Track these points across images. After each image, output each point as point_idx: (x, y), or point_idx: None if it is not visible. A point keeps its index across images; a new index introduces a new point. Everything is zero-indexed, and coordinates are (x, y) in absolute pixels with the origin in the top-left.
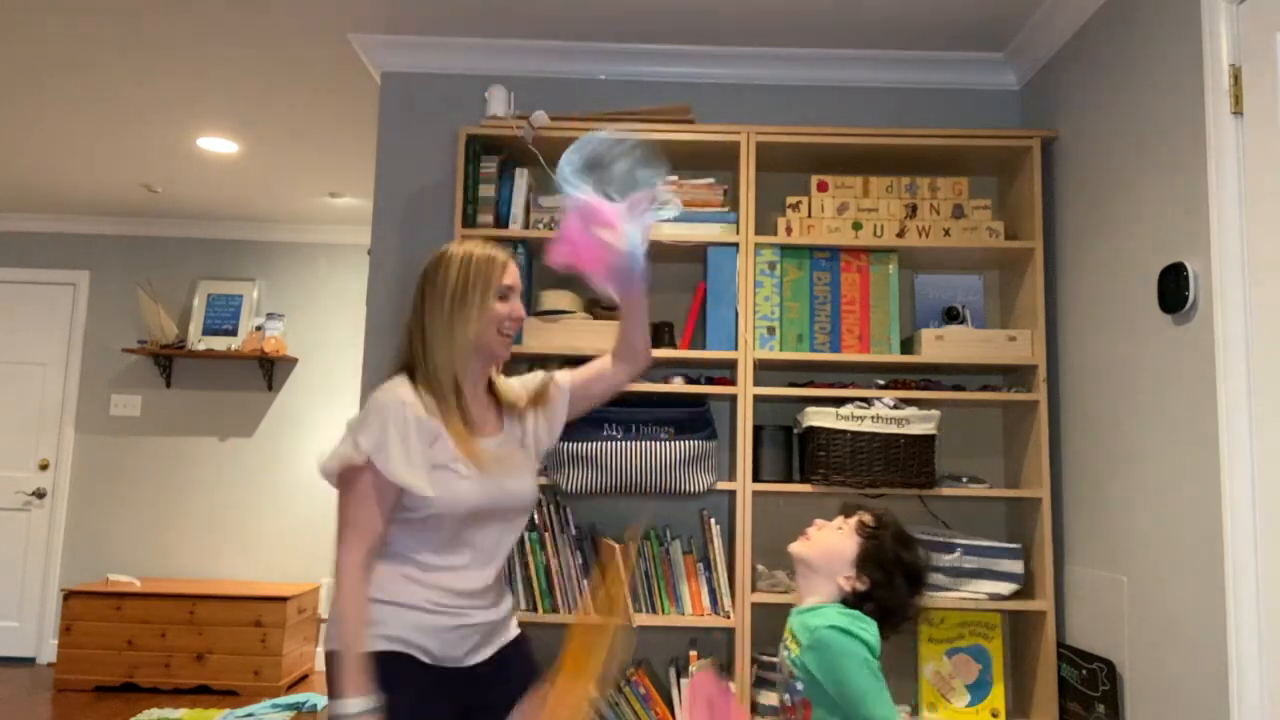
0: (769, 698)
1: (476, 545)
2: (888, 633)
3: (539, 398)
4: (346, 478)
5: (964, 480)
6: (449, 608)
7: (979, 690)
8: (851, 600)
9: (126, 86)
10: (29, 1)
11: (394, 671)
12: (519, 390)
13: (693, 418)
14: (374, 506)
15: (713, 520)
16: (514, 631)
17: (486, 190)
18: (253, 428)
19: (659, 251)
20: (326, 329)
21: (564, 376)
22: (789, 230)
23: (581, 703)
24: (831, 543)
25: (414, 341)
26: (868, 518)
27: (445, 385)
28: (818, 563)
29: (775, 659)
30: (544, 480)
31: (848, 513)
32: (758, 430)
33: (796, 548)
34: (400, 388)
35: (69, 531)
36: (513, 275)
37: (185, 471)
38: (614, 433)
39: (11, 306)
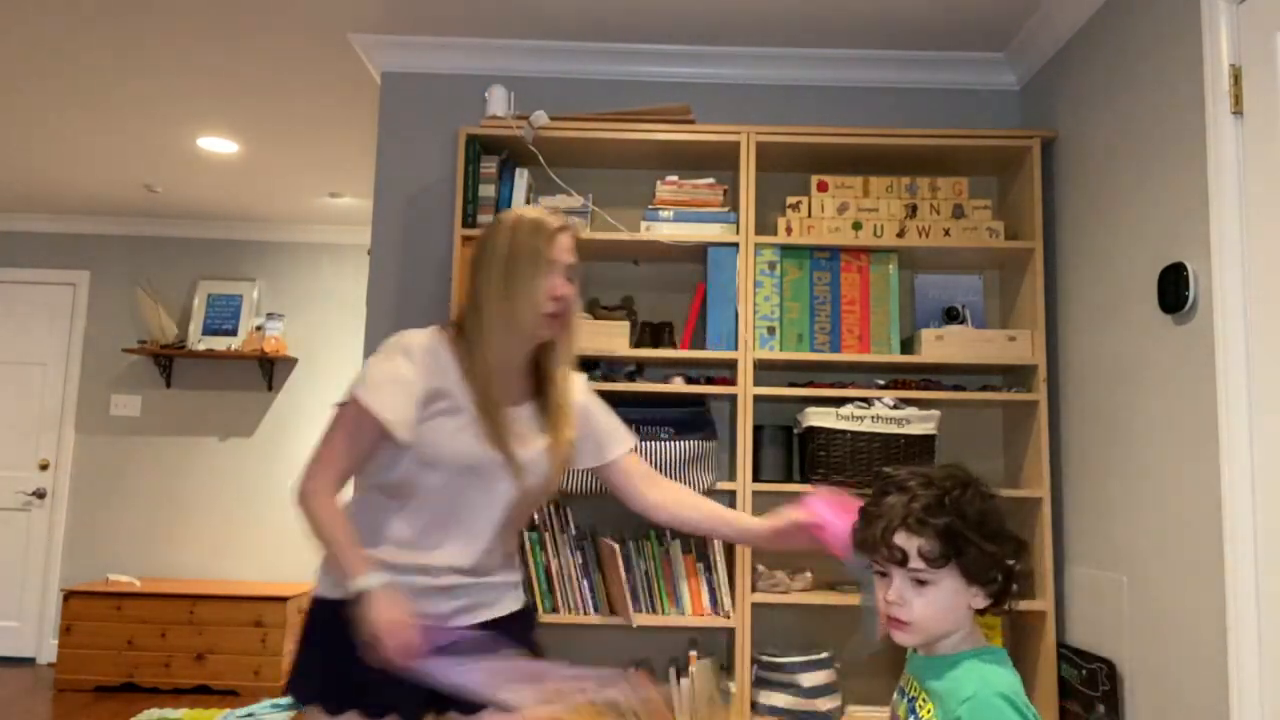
0: (769, 698)
1: (462, 519)
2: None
3: (583, 424)
4: (336, 413)
5: None
6: (422, 569)
7: None
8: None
9: (126, 87)
10: (29, 2)
11: (340, 615)
12: (576, 395)
13: (693, 418)
14: (348, 441)
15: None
16: (514, 604)
17: (486, 190)
18: (253, 428)
19: (659, 251)
20: (326, 329)
21: (625, 458)
22: (789, 230)
23: None
24: (932, 605)
25: (467, 311)
26: (928, 537)
27: (483, 357)
28: (937, 629)
29: (778, 659)
30: None
31: (886, 550)
32: (758, 430)
33: (905, 639)
34: (421, 335)
35: (69, 531)
36: (561, 248)
37: (185, 471)
38: None
39: (11, 306)
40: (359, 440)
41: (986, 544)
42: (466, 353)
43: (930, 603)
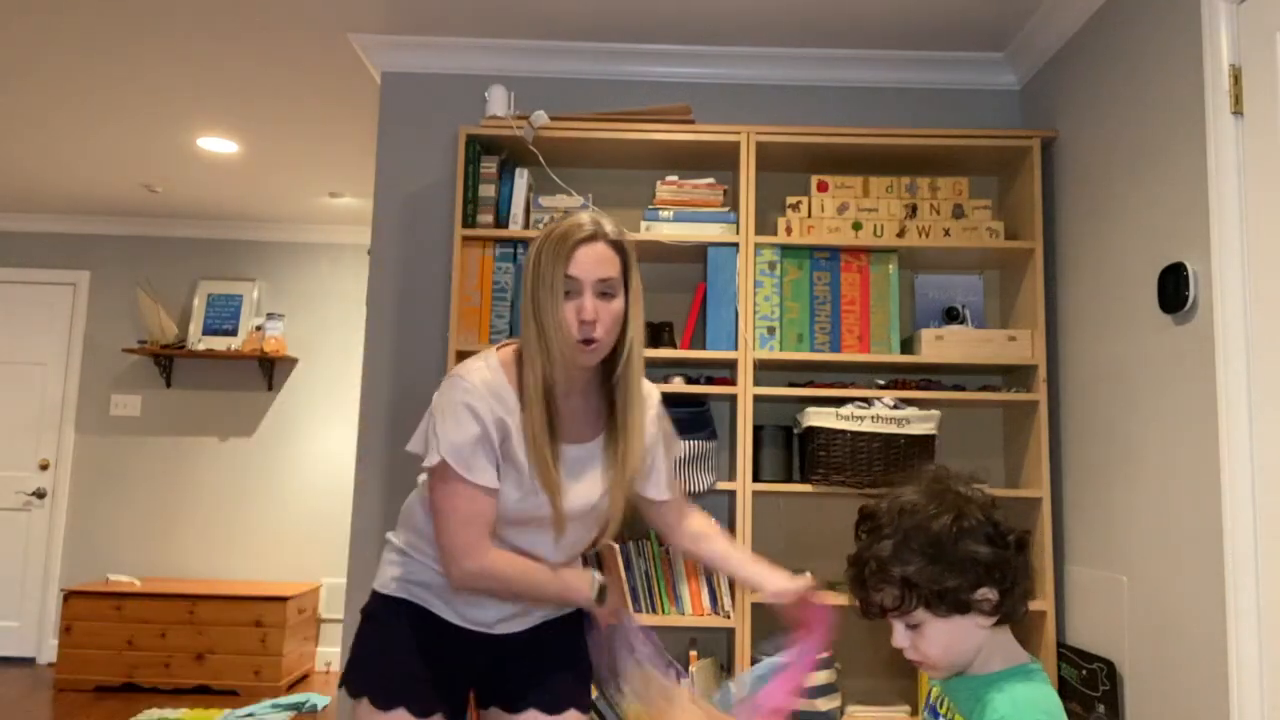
0: None
1: (514, 545)
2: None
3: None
4: (439, 473)
5: None
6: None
7: None
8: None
9: (126, 87)
10: (29, 2)
11: (396, 612)
12: (649, 426)
13: (693, 418)
14: (475, 502)
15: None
16: (563, 609)
17: (486, 190)
18: (253, 428)
19: (659, 252)
20: (326, 329)
21: (666, 493)
22: (789, 230)
23: None
24: (934, 643)
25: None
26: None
27: (532, 384)
28: (953, 660)
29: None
30: None
31: (864, 608)
32: (758, 430)
33: (934, 674)
34: (483, 371)
35: (69, 531)
36: (581, 263)
37: (185, 471)
38: None
39: (11, 306)
40: (475, 506)
41: (947, 578)
42: (525, 386)
43: (931, 641)
